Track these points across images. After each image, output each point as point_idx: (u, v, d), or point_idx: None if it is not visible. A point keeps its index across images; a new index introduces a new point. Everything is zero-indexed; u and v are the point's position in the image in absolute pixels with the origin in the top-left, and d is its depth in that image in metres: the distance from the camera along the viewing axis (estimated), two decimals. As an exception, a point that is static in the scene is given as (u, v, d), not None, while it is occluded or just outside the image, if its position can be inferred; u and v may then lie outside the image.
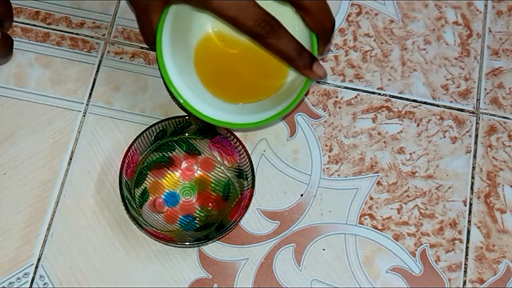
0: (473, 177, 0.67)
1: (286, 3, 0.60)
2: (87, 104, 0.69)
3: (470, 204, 0.66)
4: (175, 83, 0.62)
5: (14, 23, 0.71)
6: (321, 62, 0.63)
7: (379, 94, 0.70)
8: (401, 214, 0.66)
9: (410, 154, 0.68)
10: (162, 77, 0.62)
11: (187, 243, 0.62)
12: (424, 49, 0.72)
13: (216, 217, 0.65)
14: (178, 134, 0.66)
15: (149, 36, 0.63)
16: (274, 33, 0.56)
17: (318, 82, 0.70)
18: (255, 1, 0.56)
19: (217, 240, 0.64)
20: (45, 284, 0.63)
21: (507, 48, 0.72)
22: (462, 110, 0.70)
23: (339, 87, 0.70)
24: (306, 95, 0.70)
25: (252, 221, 0.65)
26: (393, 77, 0.71)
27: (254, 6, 0.56)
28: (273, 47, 0.57)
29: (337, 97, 0.70)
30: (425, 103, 0.70)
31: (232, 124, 0.63)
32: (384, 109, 0.70)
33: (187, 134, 0.66)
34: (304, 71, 0.59)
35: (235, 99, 0.65)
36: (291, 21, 0.61)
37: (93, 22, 0.72)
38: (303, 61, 0.58)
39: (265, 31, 0.56)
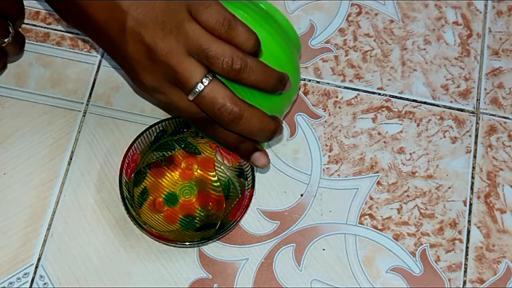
0: (473, 177, 0.67)
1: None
2: (87, 104, 0.69)
3: (470, 204, 0.66)
4: None
5: (14, 23, 0.71)
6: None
7: (379, 94, 0.70)
8: (401, 214, 0.66)
9: (410, 154, 0.68)
10: None
11: (187, 243, 0.62)
12: (424, 49, 0.72)
13: (216, 217, 0.65)
14: (178, 133, 0.66)
15: None
16: (211, 128, 0.59)
17: (318, 83, 0.70)
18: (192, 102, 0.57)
19: (217, 240, 0.64)
20: (45, 284, 0.63)
21: (507, 48, 0.72)
22: (462, 110, 0.70)
23: (339, 87, 0.70)
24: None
25: (252, 221, 0.65)
26: (393, 77, 0.71)
27: (191, 106, 0.57)
28: (212, 137, 0.61)
29: (337, 97, 0.70)
30: (425, 103, 0.70)
31: None
32: (384, 109, 0.70)
33: (187, 134, 0.66)
34: (243, 159, 0.62)
35: None
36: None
37: (93, 22, 0.72)
38: (242, 151, 0.61)
39: (202, 125, 0.59)
